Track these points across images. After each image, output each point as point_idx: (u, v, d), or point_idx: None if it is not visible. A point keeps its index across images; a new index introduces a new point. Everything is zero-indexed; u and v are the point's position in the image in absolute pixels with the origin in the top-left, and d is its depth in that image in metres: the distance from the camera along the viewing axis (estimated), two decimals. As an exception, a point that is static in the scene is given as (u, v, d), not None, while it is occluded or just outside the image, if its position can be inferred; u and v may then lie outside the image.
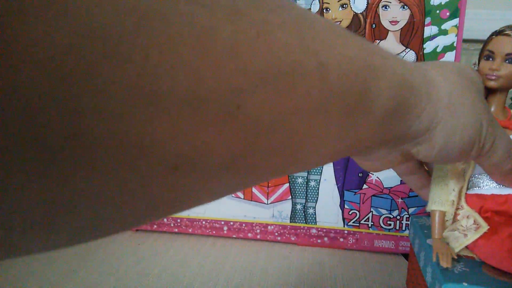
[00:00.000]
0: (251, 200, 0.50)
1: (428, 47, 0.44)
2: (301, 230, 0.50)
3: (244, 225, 0.51)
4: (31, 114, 0.07)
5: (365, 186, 0.48)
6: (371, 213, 0.48)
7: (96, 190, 0.09)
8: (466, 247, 0.27)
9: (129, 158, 0.09)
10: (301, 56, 0.13)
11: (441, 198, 0.28)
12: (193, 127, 0.10)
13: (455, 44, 0.44)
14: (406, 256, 0.47)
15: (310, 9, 0.45)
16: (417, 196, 0.46)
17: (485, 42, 0.29)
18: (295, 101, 0.13)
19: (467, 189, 0.28)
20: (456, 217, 0.28)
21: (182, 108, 0.10)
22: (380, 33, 0.45)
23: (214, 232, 0.51)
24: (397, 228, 0.47)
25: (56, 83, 0.07)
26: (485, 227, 0.26)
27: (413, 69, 0.20)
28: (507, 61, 0.27)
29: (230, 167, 0.12)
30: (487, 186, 0.27)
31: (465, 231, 0.27)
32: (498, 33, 0.28)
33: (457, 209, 0.28)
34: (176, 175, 0.11)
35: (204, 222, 0.52)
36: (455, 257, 0.27)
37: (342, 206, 0.49)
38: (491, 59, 0.28)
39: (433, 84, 0.20)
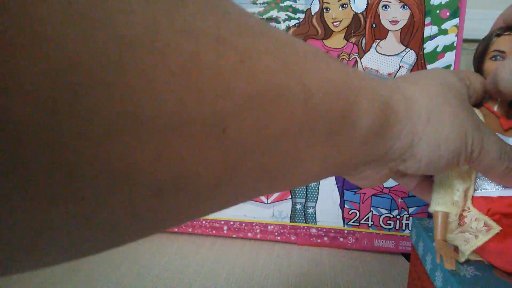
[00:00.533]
0: (251, 200, 0.50)
1: (428, 47, 0.44)
2: (301, 230, 0.50)
3: (244, 224, 0.51)
4: (17, 143, 0.08)
5: (365, 186, 0.48)
6: (371, 212, 0.48)
7: (80, 213, 0.09)
8: (474, 251, 0.27)
9: (112, 183, 0.09)
10: (285, 79, 0.13)
11: (445, 199, 0.27)
12: (178, 151, 0.10)
13: (455, 44, 0.44)
14: (406, 255, 0.47)
15: (309, 8, 0.45)
16: (417, 196, 0.46)
17: (487, 44, 0.29)
18: (280, 123, 0.13)
19: (474, 190, 0.28)
20: (463, 219, 0.28)
21: (166, 133, 0.10)
22: (380, 33, 0.45)
23: (214, 231, 0.51)
24: (397, 227, 0.47)
25: (39, 112, 0.08)
26: (496, 228, 0.26)
27: (391, 88, 0.20)
28: None
29: (216, 189, 0.12)
30: (494, 188, 0.27)
31: (476, 233, 0.27)
32: (498, 34, 0.28)
33: (463, 211, 0.28)
34: (160, 199, 0.11)
35: (204, 222, 0.52)
36: (460, 260, 0.26)
37: (342, 206, 0.49)
38: (500, 58, 0.28)
39: (412, 101, 0.20)
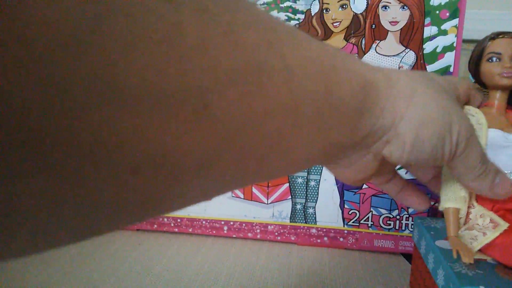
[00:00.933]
0: (251, 200, 0.51)
1: (428, 47, 0.44)
2: (301, 230, 0.50)
3: (244, 225, 0.51)
4: None
5: (364, 186, 0.48)
6: (371, 213, 0.48)
7: (54, 190, 0.09)
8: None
9: (88, 158, 0.09)
10: (268, 56, 0.13)
11: (455, 195, 0.28)
12: (157, 126, 0.10)
13: (454, 45, 0.44)
14: (406, 255, 0.47)
15: (309, 9, 0.45)
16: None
17: (484, 47, 0.30)
18: (264, 102, 0.13)
19: None
20: (468, 216, 0.28)
21: (145, 105, 0.09)
22: (380, 33, 0.45)
23: (214, 231, 0.52)
24: (397, 227, 0.48)
25: (8, 81, 0.07)
26: (504, 225, 0.26)
27: (373, 68, 0.20)
28: None
29: (199, 171, 0.12)
30: None
31: (483, 230, 0.27)
32: (492, 38, 0.30)
33: (468, 207, 0.28)
34: (138, 177, 0.10)
35: (204, 222, 0.52)
36: (475, 254, 0.26)
37: (342, 206, 0.49)
38: (497, 60, 0.29)
39: (394, 81, 0.20)
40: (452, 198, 0.28)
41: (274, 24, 0.15)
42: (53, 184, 0.09)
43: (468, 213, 0.28)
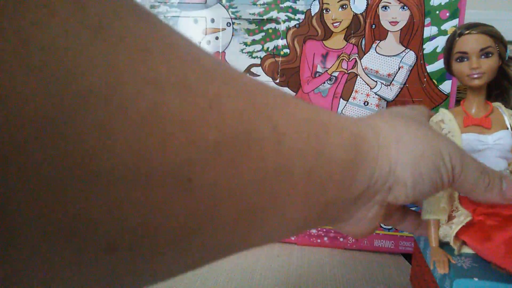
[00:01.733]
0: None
1: (428, 47, 0.44)
2: (301, 230, 0.50)
3: (244, 225, 0.51)
4: None
5: (365, 186, 0.48)
6: (371, 213, 0.48)
7: (27, 266, 0.09)
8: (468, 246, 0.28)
9: (62, 237, 0.09)
10: (255, 122, 0.13)
11: (433, 207, 0.28)
12: (134, 204, 0.10)
13: (454, 45, 0.44)
14: (405, 255, 0.47)
15: (309, 9, 0.45)
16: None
17: (450, 46, 0.29)
18: (254, 167, 0.13)
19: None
20: (452, 220, 0.28)
21: (121, 185, 0.09)
22: (380, 33, 0.45)
23: (214, 232, 0.52)
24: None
25: None
26: (467, 217, 0.27)
27: (356, 121, 0.20)
28: (482, 57, 0.28)
29: (181, 244, 0.12)
30: None
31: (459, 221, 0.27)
32: (460, 34, 0.29)
33: (452, 211, 0.29)
34: (115, 256, 0.10)
35: (204, 222, 0.52)
36: (453, 262, 0.27)
37: (342, 206, 0.49)
38: (465, 59, 0.28)
39: (378, 129, 0.21)
40: (433, 210, 0.28)
41: (261, 89, 0.15)
42: (25, 264, 0.09)
43: (453, 217, 0.28)
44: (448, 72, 0.31)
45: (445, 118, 0.29)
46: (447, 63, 0.30)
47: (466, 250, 0.28)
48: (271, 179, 0.14)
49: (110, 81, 0.09)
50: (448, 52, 0.30)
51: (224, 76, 0.13)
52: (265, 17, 0.46)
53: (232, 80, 0.13)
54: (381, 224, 0.47)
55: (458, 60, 0.29)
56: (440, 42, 0.44)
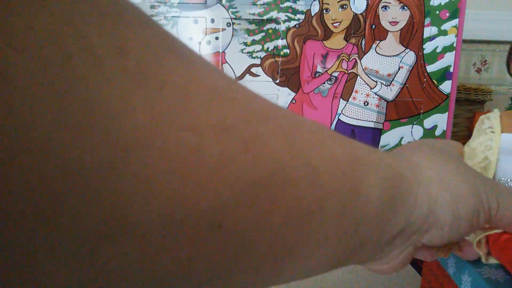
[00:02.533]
0: None
1: (428, 47, 0.44)
2: (301, 230, 0.50)
3: (244, 225, 0.51)
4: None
5: (365, 186, 0.48)
6: (371, 213, 0.48)
7: None
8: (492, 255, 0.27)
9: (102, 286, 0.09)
10: (291, 161, 0.13)
11: None
12: (167, 250, 0.10)
13: (454, 45, 0.44)
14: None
15: (309, 9, 0.45)
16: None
17: None
18: (286, 209, 0.12)
19: None
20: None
21: (156, 233, 0.09)
22: (380, 33, 0.45)
23: (214, 232, 0.52)
24: (397, 228, 0.48)
25: (23, 220, 0.07)
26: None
27: (395, 158, 0.20)
28: None
29: (209, 285, 0.12)
30: None
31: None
32: None
33: None
34: None
35: (204, 222, 0.52)
36: (456, 253, 0.26)
37: (342, 206, 0.49)
38: None
39: (418, 167, 0.20)
40: None
41: (299, 124, 0.14)
42: None
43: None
44: (508, 73, 0.32)
45: (491, 115, 0.29)
46: (507, 63, 0.31)
47: (493, 260, 0.27)
48: (304, 219, 0.13)
49: (151, 130, 0.09)
50: (510, 52, 0.30)
51: (261, 113, 0.13)
52: (265, 17, 0.46)
53: (269, 118, 0.13)
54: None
55: None
56: (440, 42, 0.44)
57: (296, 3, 0.45)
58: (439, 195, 0.20)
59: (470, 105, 0.66)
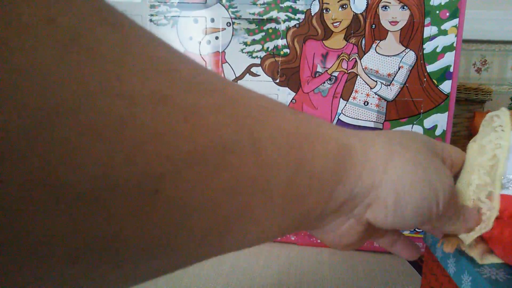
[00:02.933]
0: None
1: (428, 47, 0.44)
2: (301, 230, 0.50)
3: (244, 225, 0.51)
4: None
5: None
6: (371, 213, 0.48)
7: None
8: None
9: (24, 251, 0.09)
10: (233, 134, 0.13)
11: (464, 196, 0.27)
12: (98, 217, 0.10)
13: (454, 45, 0.44)
14: (406, 256, 0.47)
15: (309, 9, 0.45)
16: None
17: None
18: (227, 180, 0.13)
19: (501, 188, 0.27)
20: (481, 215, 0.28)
21: (85, 199, 0.09)
22: (380, 33, 0.45)
23: (214, 232, 0.52)
24: (397, 228, 0.47)
25: None
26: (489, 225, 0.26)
27: (347, 133, 0.20)
28: None
29: (148, 253, 0.12)
30: None
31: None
32: None
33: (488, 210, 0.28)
34: (77, 267, 0.10)
35: (204, 222, 0.52)
36: (463, 249, 0.26)
37: (342, 206, 0.49)
38: None
39: (370, 144, 0.20)
40: (462, 197, 0.27)
41: (246, 99, 0.15)
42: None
43: (480, 214, 0.28)
44: None
45: (501, 114, 0.28)
46: None
47: (492, 259, 0.26)
48: (246, 191, 0.14)
49: (79, 96, 0.09)
50: None
51: (206, 86, 0.13)
52: (265, 17, 0.46)
53: (214, 91, 0.13)
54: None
55: None
56: (440, 42, 0.44)
57: (296, 2, 0.45)
58: (386, 175, 0.20)
59: (470, 105, 0.66)
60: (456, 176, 0.28)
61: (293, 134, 0.16)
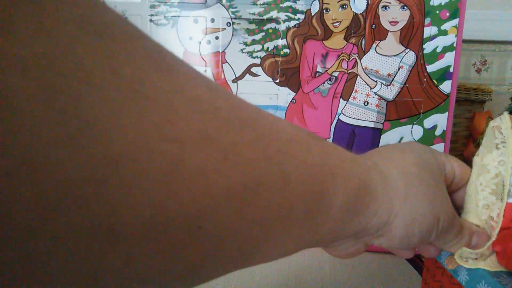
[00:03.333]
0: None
1: (428, 47, 0.44)
2: (301, 230, 0.50)
3: (244, 225, 0.51)
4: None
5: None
6: (370, 213, 0.48)
7: None
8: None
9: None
10: (265, 169, 0.14)
11: (475, 220, 0.27)
12: (148, 253, 0.11)
13: (454, 45, 0.44)
14: (405, 256, 0.47)
15: (309, 9, 0.45)
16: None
17: None
18: (257, 212, 0.13)
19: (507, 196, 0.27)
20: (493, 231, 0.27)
21: (138, 237, 0.10)
22: (380, 33, 0.45)
23: (214, 232, 0.52)
24: (397, 228, 0.47)
25: (17, 231, 0.08)
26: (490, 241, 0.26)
27: (369, 166, 0.21)
28: None
29: (184, 279, 0.13)
30: None
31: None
32: None
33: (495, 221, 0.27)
34: None
35: (204, 222, 0.52)
36: (455, 258, 0.26)
37: (342, 206, 0.49)
38: None
39: (390, 179, 0.21)
40: (473, 215, 0.27)
41: (277, 132, 0.15)
42: None
43: (493, 228, 0.27)
44: None
45: (503, 126, 0.28)
46: None
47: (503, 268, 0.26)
48: (271, 220, 0.15)
49: (140, 143, 0.10)
50: None
51: (242, 122, 0.13)
52: (265, 17, 0.46)
53: (248, 126, 0.14)
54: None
55: None
56: (440, 42, 0.44)
57: (296, 3, 0.45)
58: (401, 211, 0.21)
59: (470, 105, 0.66)
60: (458, 189, 0.28)
61: (318, 168, 0.17)
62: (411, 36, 0.44)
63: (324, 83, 0.47)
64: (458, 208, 0.28)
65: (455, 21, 0.43)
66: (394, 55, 0.45)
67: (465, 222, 0.25)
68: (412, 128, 0.46)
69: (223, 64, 0.48)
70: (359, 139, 0.47)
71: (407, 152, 0.23)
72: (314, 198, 0.16)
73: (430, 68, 0.45)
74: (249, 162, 0.13)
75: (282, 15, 0.46)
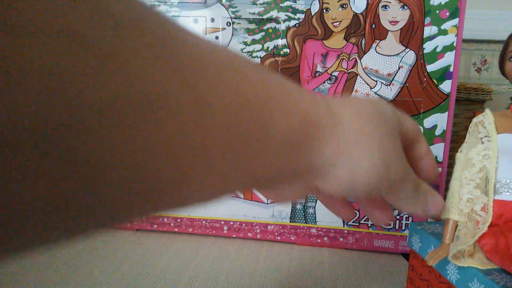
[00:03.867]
0: (251, 200, 0.51)
1: (428, 47, 0.44)
2: (301, 230, 0.50)
3: (244, 224, 0.51)
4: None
5: (365, 186, 0.48)
6: (371, 213, 0.48)
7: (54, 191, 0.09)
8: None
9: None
10: (173, 89, 0.12)
11: (458, 209, 0.28)
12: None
13: (454, 44, 0.44)
14: (405, 255, 0.47)
15: (309, 8, 0.45)
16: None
17: (505, 46, 0.30)
18: (155, 139, 0.12)
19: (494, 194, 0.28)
20: (477, 225, 0.28)
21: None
22: (380, 33, 0.45)
23: (214, 231, 0.52)
24: (397, 227, 0.48)
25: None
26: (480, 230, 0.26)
27: (319, 103, 0.19)
28: None
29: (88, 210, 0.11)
30: (509, 193, 0.27)
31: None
32: None
33: (480, 216, 0.28)
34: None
35: (204, 222, 0.52)
36: (449, 259, 0.27)
37: (342, 206, 0.49)
38: None
39: (341, 119, 0.20)
40: (454, 211, 0.28)
41: (209, 58, 0.14)
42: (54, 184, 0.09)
43: (478, 222, 0.28)
44: (501, 72, 0.31)
45: (486, 121, 0.29)
46: (501, 62, 0.31)
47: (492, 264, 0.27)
48: (182, 151, 0.13)
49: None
50: (503, 51, 0.31)
51: (158, 43, 0.12)
52: (265, 16, 0.46)
53: (165, 51, 0.12)
54: (381, 225, 0.47)
55: (511, 59, 0.30)
56: (440, 42, 0.44)
57: (296, 2, 0.45)
58: (350, 154, 0.19)
59: (470, 105, 0.66)
60: (410, 144, 0.28)
61: (252, 98, 0.15)
62: (411, 36, 0.44)
63: (324, 82, 0.47)
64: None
65: (455, 21, 0.43)
66: (394, 55, 0.45)
67: (421, 181, 0.24)
68: (412, 127, 0.46)
69: (223, 64, 0.48)
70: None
71: (365, 100, 0.23)
72: (246, 131, 0.15)
73: (430, 67, 0.45)
74: (147, 77, 0.11)
75: (282, 15, 0.46)
